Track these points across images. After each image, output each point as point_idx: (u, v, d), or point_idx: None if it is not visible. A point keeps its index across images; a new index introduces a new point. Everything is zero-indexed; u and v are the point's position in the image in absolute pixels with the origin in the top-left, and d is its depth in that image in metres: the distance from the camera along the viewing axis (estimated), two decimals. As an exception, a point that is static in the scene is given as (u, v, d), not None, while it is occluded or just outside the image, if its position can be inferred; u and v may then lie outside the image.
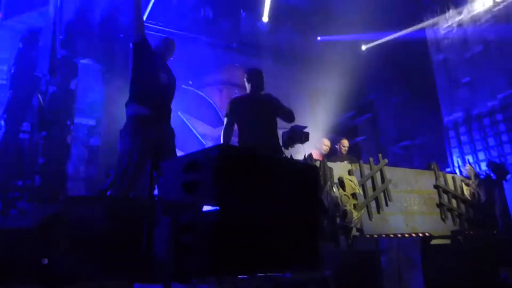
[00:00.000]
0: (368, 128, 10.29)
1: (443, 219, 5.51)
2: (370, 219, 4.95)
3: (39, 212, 3.94)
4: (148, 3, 7.75)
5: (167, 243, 1.90)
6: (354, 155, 7.72)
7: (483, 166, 7.26)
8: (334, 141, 7.54)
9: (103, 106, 7.40)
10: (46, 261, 2.59)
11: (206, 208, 1.96)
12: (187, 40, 8.84)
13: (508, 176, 5.81)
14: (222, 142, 4.58)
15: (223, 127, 4.70)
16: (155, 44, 4.22)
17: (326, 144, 7.17)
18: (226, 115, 4.74)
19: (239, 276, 1.92)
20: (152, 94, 3.75)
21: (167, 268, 1.83)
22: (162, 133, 3.73)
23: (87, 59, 7.29)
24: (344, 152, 7.10)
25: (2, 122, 5.76)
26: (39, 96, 6.13)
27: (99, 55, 7.48)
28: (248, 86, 5.00)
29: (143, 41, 3.98)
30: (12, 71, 6.27)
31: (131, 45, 4.04)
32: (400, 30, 8.74)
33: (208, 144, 8.52)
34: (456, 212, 5.69)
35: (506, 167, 6.07)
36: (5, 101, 5.98)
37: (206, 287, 1.62)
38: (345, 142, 7.25)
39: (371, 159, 5.43)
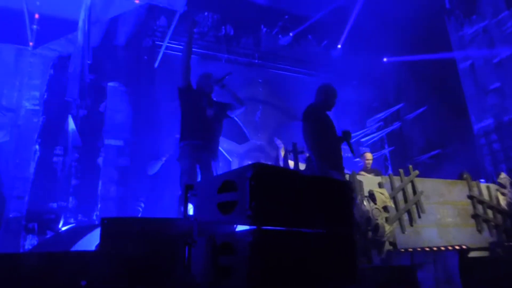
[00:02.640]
0: (396, 139, 10.14)
1: (479, 231, 5.34)
2: (403, 232, 4.85)
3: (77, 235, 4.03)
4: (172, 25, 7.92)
5: (204, 264, 1.91)
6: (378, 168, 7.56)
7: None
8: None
9: (131, 127, 7.57)
10: (85, 283, 2.64)
11: (242, 228, 1.96)
12: (209, 59, 8.99)
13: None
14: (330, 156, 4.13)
15: (317, 134, 4.21)
16: (197, 82, 4.49)
17: (369, 158, 6.91)
18: (318, 121, 4.27)
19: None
20: (200, 129, 4.12)
21: (205, 287, 1.84)
22: (209, 159, 4.08)
23: (114, 82, 7.50)
24: (369, 166, 6.82)
25: (37, 147, 5.97)
26: (71, 119, 6.33)
27: (125, 78, 7.68)
28: (326, 101, 4.51)
29: (189, 86, 4.30)
30: (45, 96, 6.52)
31: (177, 90, 4.34)
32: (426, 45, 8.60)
33: (234, 160, 8.56)
34: (492, 223, 5.51)
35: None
36: (39, 126, 6.20)
37: (245, 308, 1.62)
38: (369, 155, 6.97)
39: (401, 170, 5.34)
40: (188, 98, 4.26)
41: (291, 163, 5.47)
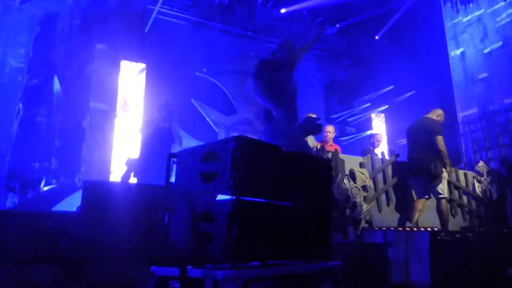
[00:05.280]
0: (381, 121, 10.28)
1: (452, 215, 5.52)
2: (380, 212, 5.00)
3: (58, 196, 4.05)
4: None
5: (184, 230, 1.96)
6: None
7: (496, 163, 7.20)
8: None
9: (118, 92, 7.47)
10: (65, 242, 2.69)
11: (222, 197, 2.01)
12: (202, 27, 8.84)
13: (520, 175, 5.78)
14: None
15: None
16: (278, 54, 4.21)
17: (378, 139, 7.14)
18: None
19: (252, 263, 1.98)
20: (292, 106, 3.98)
21: (184, 253, 1.89)
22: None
23: (102, 44, 7.32)
24: (378, 147, 7.04)
25: (20, 106, 5.87)
26: (56, 80, 6.22)
27: (114, 41, 7.51)
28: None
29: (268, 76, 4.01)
30: (30, 54, 6.36)
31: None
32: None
33: (221, 131, 8.58)
34: (466, 209, 5.70)
35: (518, 166, 6.03)
36: (23, 84, 6.08)
37: (220, 273, 1.68)
38: (380, 137, 7.22)
39: (383, 152, 5.48)
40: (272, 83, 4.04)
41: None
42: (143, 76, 7.80)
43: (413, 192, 5.21)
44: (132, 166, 5.34)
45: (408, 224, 4.83)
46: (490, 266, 3.51)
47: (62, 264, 2.51)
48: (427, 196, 4.89)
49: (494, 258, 3.57)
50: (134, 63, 7.89)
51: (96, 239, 2.62)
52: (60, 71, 6.32)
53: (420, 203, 4.87)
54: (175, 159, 2.24)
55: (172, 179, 2.23)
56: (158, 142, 5.27)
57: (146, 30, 8.02)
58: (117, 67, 7.62)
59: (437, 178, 4.80)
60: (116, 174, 6.90)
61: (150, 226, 2.35)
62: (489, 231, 4.89)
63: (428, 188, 4.87)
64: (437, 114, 5.20)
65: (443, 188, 4.86)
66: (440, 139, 4.87)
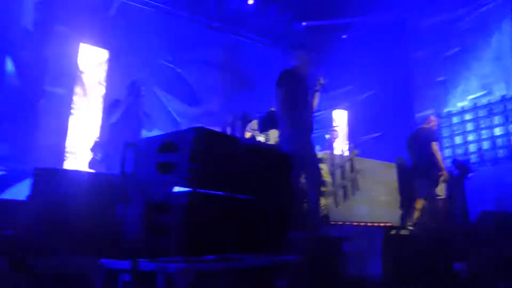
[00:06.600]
0: (342, 118, 10.48)
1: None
2: (336, 207, 5.11)
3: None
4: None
5: (138, 222, 1.91)
6: None
7: (448, 163, 7.52)
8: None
9: (77, 76, 7.18)
10: (10, 232, 2.56)
11: (178, 189, 1.98)
12: (169, 15, 8.64)
13: (470, 175, 6.07)
14: None
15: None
16: (299, 68, 4.47)
17: (335, 136, 7.30)
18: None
19: (208, 257, 1.96)
20: (305, 118, 4.22)
21: (136, 245, 1.85)
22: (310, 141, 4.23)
23: (62, 26, 6.99)
24: (335, 142, 7.21)
25: (-30, 86, 5.53)
26: (9, 60, 5.89)
27: (76, 23, 7.18)
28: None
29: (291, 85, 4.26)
30: (-18, 32, 5.98)
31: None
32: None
33: (183, 122, 8.45)
34: (418, 205, 5.92)
35: (468, 166, 6.34)
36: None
37: (173, 266, 1.66)
38: (337, 133, 7.41)
39: (343, 148, 5.59)
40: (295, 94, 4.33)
41: (247, 135, 5.50)
42: (104, 61, 7.56)
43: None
44: (99, 151, 5.13)
45: (408, 221, 5.31)
46: (434, 260, 3.68)
47: (6, 254, 2.39)
48: (425, 197, 5.48)
49: (438, 253, 3.74)
50: (95, 48, 7.63)
51: (45, 229, 2.51)
52: (14, 51, 5.99)
53: (419, 203, 5.44)
54: (132, 148, 2.18)
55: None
56: (126, 127, 4.98)
57: (111, 14, 7.73)
58: (76, 50, 7.32)
59: (434, 182, 5.45)
60: (71, 161, 6.66)
61: (103, 217, 2.28)
62: (436, 227, 5.13)
63: (427, 190, 5.45)
64: (429, 122, 5.82)
65: (439, 190, 5.53)
66: (434, 145, 5.44)
